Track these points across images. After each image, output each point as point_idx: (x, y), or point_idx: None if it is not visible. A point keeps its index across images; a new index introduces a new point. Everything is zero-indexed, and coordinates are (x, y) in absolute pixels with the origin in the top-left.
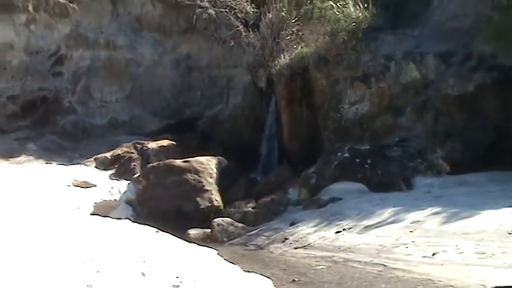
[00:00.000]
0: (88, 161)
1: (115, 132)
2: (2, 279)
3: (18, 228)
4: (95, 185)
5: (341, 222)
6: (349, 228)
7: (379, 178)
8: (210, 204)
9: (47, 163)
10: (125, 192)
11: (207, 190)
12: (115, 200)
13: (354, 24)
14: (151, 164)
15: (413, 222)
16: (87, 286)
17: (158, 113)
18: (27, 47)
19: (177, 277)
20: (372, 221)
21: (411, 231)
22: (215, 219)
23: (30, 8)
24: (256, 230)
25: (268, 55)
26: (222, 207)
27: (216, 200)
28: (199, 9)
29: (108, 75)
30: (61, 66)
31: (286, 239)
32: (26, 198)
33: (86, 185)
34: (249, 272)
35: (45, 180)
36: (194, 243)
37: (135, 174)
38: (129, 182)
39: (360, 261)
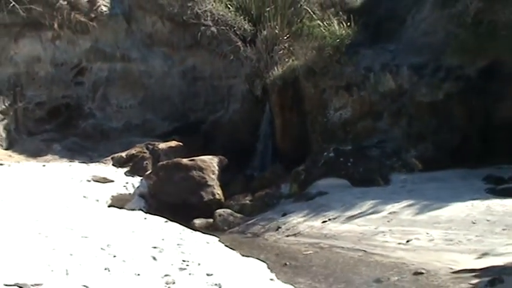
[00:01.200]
0: (106, 160)
1: (129, 134)
2: (33, 262)
3: (44, 218)
4: (112, 181)
5: (327, 213)
6: (334, 218)
7: (360, 174)
8: (212, 197)
9: (70, 161)
10: (138, 187)
11: (209, 185)
12: (129, 193)
13: (338, 40)
14: (161, 163)
15: (390, 213)
16: (105, 269)
17: (167, 118)
18: (52, 60)
19: (184, 261)
20: (354, 212)
21: (388, 221)
22: (217, 211)
23: (55, 25)
24: (253, 220)
25: (263, 67)
26: (222, 200)
27: (218, 194)
28: (203, 27)
29: (124, 84)
30: (82, 77)
31: (279, 227)
32: (52, 192)
33: (104, 181)
34: (246, 256)
35: (68, 176)
36: (198, 231)
37: (147, 171)
38: (142, 178)
39: (343, 247)
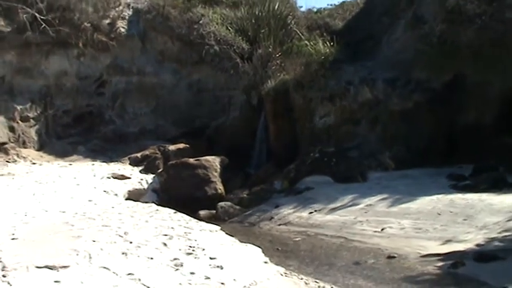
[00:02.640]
0: (123, 160)
1: (144, 138)
2: (61, 247)
3: (70, 209)
4: (128, 178)
5: (313, 205)
6: (319, 210)
7: (342, 172)
8: (215, 192)
9: (92, 161)
10: (151, 183)
11: (212, 181)
12: (144, 188)
13: (322, 57)
14: (171, 162)
15: (367, 205)
16: (123, 253)
17: (176, 123)
18: (77, 74)
19: (190, 246)
20: (336, 204)
21: (365, 212)
22: (219, 203)
23: (80, 44)
24: (250, 211)
25: (258, 80)
26: (224, 194)
27: (220, 189)
28: (207, 46)
29: (139, 95)
30: (103, 88)
31: (272, 218)
32: (77, 187)
33: (122, 178)
34: (244, 243)
35: (91, 174)
36: (203, 221)
37: (159, 169)
38: (154, 175)
39: (327, 235)
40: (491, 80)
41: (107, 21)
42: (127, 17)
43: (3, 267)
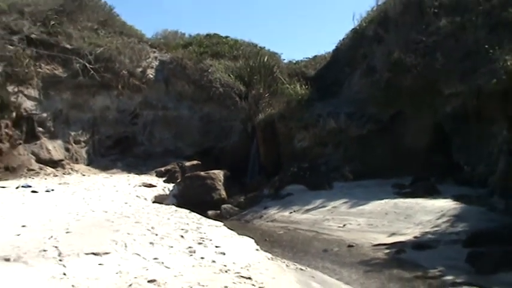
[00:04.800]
0: (151, 172)
1: (166, 156)
2: (103, 238)
3: (111, 210)
4: (155, 186)
5: (292, 207)
6: (297, 210)
7: (314, 182)
8: (219, 197)
9: (127, 173)
10: (172, 190)
11: (218, 189)
12: (166, 194)
13: (300, 97)
14: (187, 174)
15: (333, 207)
16: (150, 243)
17: (191, 145)
18: (117, 108)
19: (201, 238)
20: (309, 206)
21: (331, 212)
22: (222, 205)
23: (119, 86)
24: (245, 212)
25: (252, 114)
26: (226, 198)
27: (223, 195)
28: (214, 88)
29: (163, 124)
30: (136, 119)
31: (262, 216)
32: (116, 193)
33: (150, 186)
34: (241, 235)
35: (126, 183)
36: (210, 218)
37: (178, 180)
38: (174, 184)
39: (303, 229)
40: (424, 115)
41: (140, 69)
42: (154, 67)
43: (60, 253)
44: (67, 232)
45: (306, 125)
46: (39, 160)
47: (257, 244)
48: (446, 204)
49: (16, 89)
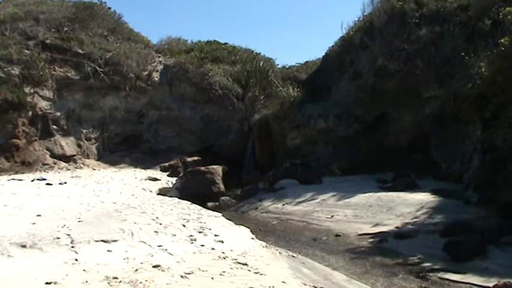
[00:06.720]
0: (156, 167)
1: (170, 152)
2: (112, 227)
3: (119, 201)
4: (159, 180)
5: (285, 199)
6: (289, 203)
7: (305, 177)
8: (218, 190)
9: (134, 168)
10: (175, 183)
11: (217, 183)
12: (170, 187)
13: (292, 99)
14: (188, 169)
15: (322, 200)
16: (155, 232)
17: (192, 143)
18: (125, 108)
19: (201, 227)
20: (301, 199)
21: (321, 204)
22: (221, 198)
23: (127, 88)
24: (242, 203)
25: (249, 114)
26: (224, 191)
27: (222, 188)
28: (214, 90)
29: (167, 123)
30: (142, 119)
31: (257, 208)
32: (123, 186)
33: (155, 180)
34: (238, 225)
35: (133, 177)
36: (210, 209)
37: (180, 174)
38: (177, 178)
39: (294, 220)
40: (406, 116)
41: (146, 73)
42: (159, 70)
43: (72, 240)
44: (79, 221)
45: (297, 125)
46: (53, 155)
47: (253, 233)
48: (425, 198)
49: (32, 90)
